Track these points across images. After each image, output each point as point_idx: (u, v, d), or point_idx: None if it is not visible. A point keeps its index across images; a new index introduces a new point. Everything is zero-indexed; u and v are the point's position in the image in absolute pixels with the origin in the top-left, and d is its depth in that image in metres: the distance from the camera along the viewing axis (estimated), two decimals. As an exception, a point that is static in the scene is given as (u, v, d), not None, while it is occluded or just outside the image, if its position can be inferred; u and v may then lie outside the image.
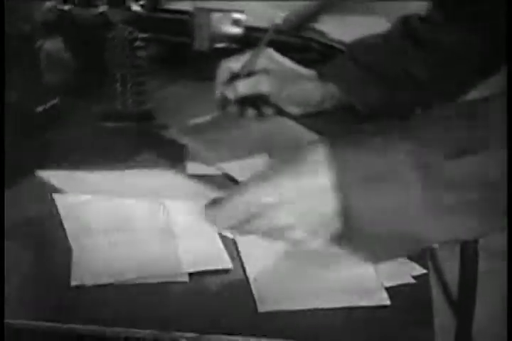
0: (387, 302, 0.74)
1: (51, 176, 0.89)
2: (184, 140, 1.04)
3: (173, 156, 1.00)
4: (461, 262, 1.12)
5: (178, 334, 0.70)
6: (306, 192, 0.68)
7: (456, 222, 0.65)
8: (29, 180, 0.92)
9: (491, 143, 0.63)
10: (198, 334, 0.69)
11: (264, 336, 0.69)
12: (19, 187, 0.93)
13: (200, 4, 1.15)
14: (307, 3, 1.43)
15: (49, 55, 1.17)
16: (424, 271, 0.78)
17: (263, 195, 0.68)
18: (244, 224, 0.70)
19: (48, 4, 1.17)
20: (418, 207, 0.65)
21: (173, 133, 1.06)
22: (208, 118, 1.09)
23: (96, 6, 1.13)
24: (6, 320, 0.70)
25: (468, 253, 1.12)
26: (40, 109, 1.10)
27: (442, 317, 1.35)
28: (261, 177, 0.69)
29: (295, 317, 0.72)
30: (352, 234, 0.67)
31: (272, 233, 0.70)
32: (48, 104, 1.11)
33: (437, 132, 0.65)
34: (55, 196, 0.89)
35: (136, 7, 1.12)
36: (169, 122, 1.08)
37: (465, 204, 0.63)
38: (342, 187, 0.66)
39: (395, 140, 0.66)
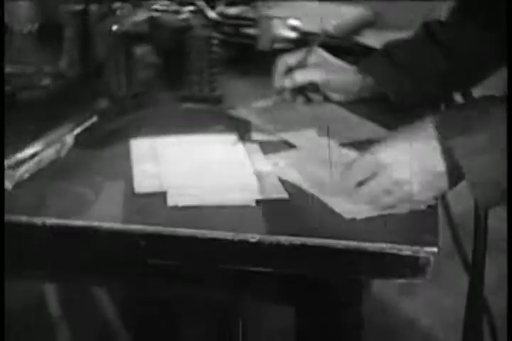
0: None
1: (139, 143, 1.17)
2: (248, 117, 1.30)
3: (240, 128, 1.26)
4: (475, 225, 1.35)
5: (249, 235, 0.95)
6: (419, 154, 0.95)
7: None
8: (123, 144, 1.19)
9: None
10: (262, 235, 0.95)
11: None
12: (116, 149, 1.19)
13: (264, 12, 1.43)
14: (353, 17, 1.70)
15: (139, 56, 1.44)
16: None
17: (382, 157, 0.96)
18: (369, 180, 0.98)
19: (142, 15, 1.44)
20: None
21: (239, 112, 1.32)
22: (267, 102, 1.35)
23: (180, 13, 1.40)
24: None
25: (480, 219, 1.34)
26: (132, 94, 1.37)
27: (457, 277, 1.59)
28: (380, 144, 0.98)
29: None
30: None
31: (392, 188, 0.98)
32: (138, 91, 1.39)
33: None
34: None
35: (212, 14, 1.39)
36: (235, 104, 1.34)
37: None
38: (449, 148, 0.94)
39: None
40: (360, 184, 1.00)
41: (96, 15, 1.46)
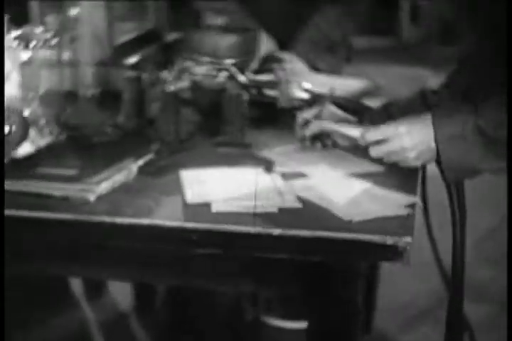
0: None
1: (187, 173, 1.52)
2: (272, 157, 1.65)
3: (265, 164, 1.61)
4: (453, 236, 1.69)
5: (273, 230, 1.29)
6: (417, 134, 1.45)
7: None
8: (174, 174, 1.54)
9: None
10: (285, 229, 1.29)
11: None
12: (169, 177, 1.54)
13: (283, 78, 1.80)
14: (357, 87, 2.07)
15: (184, 114, 1.81)
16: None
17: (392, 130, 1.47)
18: (381, 143, 1.49)
19: (186, 81, 1.81)
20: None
21: (265, 153, 1.67)
22: (286, 147, 1.71)
23: (217, 78, 1.77)
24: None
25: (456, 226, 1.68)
26: (178, 140, 1.73)
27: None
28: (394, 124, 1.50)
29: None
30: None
31: (398, 152, 1.47)
32: (184, 138, 1.75)
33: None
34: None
35: (242, 78, 1.76)
36: (261, 149, 1.70)
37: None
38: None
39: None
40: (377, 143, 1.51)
41: (148, 81, 1.84)
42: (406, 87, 2.12)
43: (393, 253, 1.27)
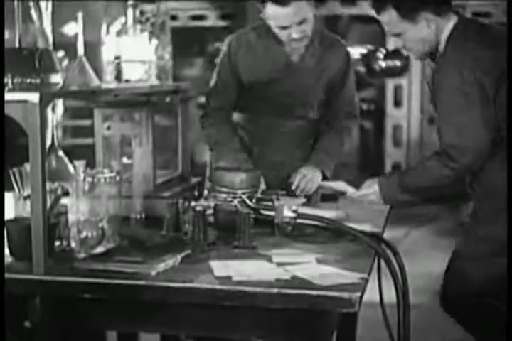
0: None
1: (214, 262, 2.27)
2: (271, 254, 2.40)
3: (266, 257, 2.35)
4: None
5: (272, 289, 2.02)
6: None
7: None
8: (206, 263, 2.27)
9: None
10: (280, 289, 2.02)
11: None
12: (203, 265, 2.28)
13: (278, 203, 2.58)
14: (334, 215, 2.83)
15: (207, 228, 2.57)
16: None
17: None
18: None
19: (211, 204, 2.59)
20: None
21: (266, 252, 2.42)
22: (282, 249, 2.46)
23: (232, 202, 2.55)
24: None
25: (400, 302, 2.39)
26: (206, 244, 2.48)
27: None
28: None
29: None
30: None
31: None
32: (209, 242, 2.50)
33: None
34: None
35: (250, 203, 2.54)
36: (263, 249, 2.44)
37: None
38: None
39: None
40: None
41: (181, 208, 2.61)
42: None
43: (348, 303, 2.00)
